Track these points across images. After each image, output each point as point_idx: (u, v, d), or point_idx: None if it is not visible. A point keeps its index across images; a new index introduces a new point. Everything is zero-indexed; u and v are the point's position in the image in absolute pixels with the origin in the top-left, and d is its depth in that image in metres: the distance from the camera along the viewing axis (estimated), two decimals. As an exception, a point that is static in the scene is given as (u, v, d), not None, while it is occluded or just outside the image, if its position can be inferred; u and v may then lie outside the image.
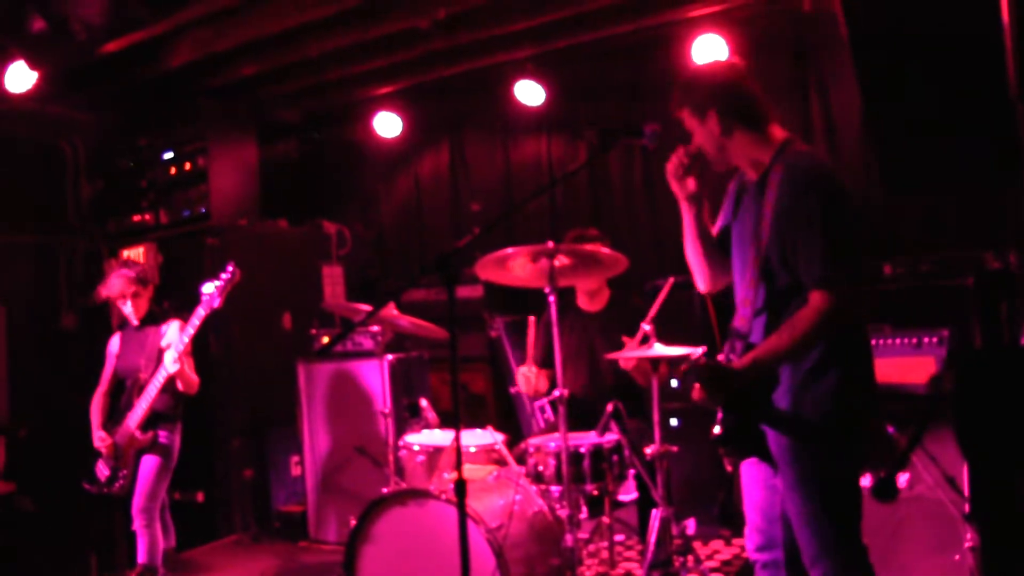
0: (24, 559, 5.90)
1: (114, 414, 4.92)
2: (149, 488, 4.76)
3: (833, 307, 2.66)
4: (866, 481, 3.41)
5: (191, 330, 4.65)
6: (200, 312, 4.62)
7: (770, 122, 2.96)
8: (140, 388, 4.78)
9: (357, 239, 7.49)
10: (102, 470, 4.87)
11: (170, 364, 4.63)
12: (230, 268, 4.65)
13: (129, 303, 4.92)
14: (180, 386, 4.77)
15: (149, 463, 4.79)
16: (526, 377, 4.67)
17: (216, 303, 4.61)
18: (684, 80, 3.12)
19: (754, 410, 2.79)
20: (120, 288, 4.91)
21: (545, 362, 4.81)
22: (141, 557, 4.75)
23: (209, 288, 4.60)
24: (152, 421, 4.79)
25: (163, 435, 4.82)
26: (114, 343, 5.11)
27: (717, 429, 2.78)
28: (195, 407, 5.10)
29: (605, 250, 4.02)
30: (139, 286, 4.96)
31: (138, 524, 4.76)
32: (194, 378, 4.83)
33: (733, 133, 2.94)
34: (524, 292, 4.96)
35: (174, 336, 4.77)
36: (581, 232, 4.84)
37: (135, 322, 4.98)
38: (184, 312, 4.82)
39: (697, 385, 2.72)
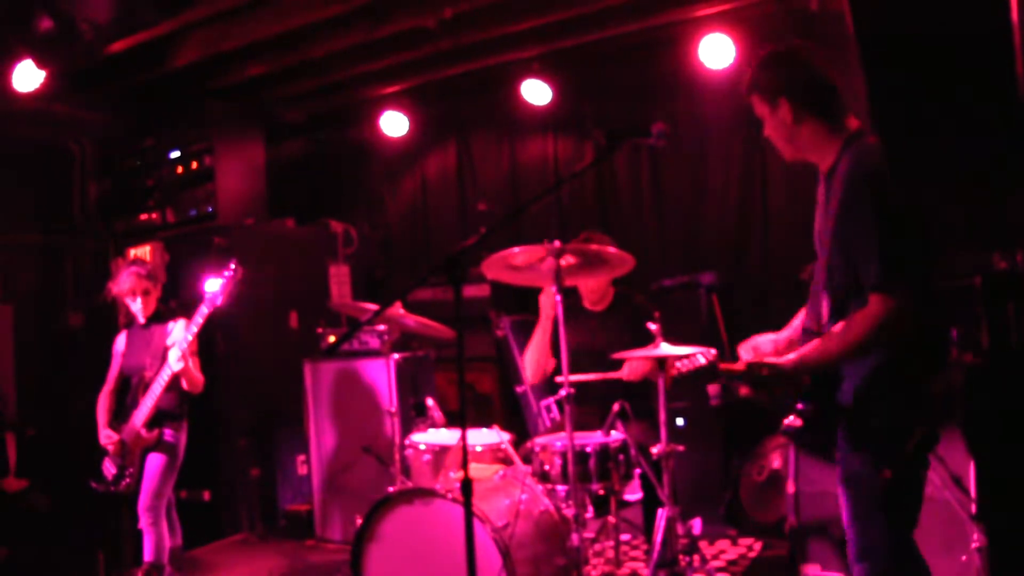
0: (31, 557, 5.91)
1: (120, 412, 4.93)
2: (155, 486, 4.77)
3: (890, 312, 2.53)
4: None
5: (195, 328, 4.66)
6: (203, 310, 4.63)
7: (846, 112, 2.81)
8: (145, 386, 4.78)
9: (364, 238, 7.50)
10: (109, 468, 4.88)
11: (174, 362, 4.63)
12: (232, 265, 4.66)
13: (139, 300, 4.94)
14: (185, 385, 4.78)
15: (155, 461, 4.80)
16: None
17: (219, 301, 4.62)
18: (756, 63, 2.93)
19: (828, 404, 2.70)
20: (131, 285, 4.93)
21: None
22: (148, 555, 4.76)
23: (212, 286, 4.61)
24: (158, 419, 4.79)
25: (169, 433, 4.83)
26: (120, 342, 5.12)
27: (794, 419, 2.68)
28: (202, 406, 5.10)
29: (611, 249, 4.02)
30: (149, 283, 4.98)
31: (144, 522, 4.77)
32: (199, 377, 4.83)
33: (803, 122, 2.80)
34: (531, 291, 4.96)
35: (179, 334, 4.77)
36: (589, 235, 4.84)
37: (142, 320, 4.99)
38: (190, 311, 4.83)
39: (744, 387, 2.64)
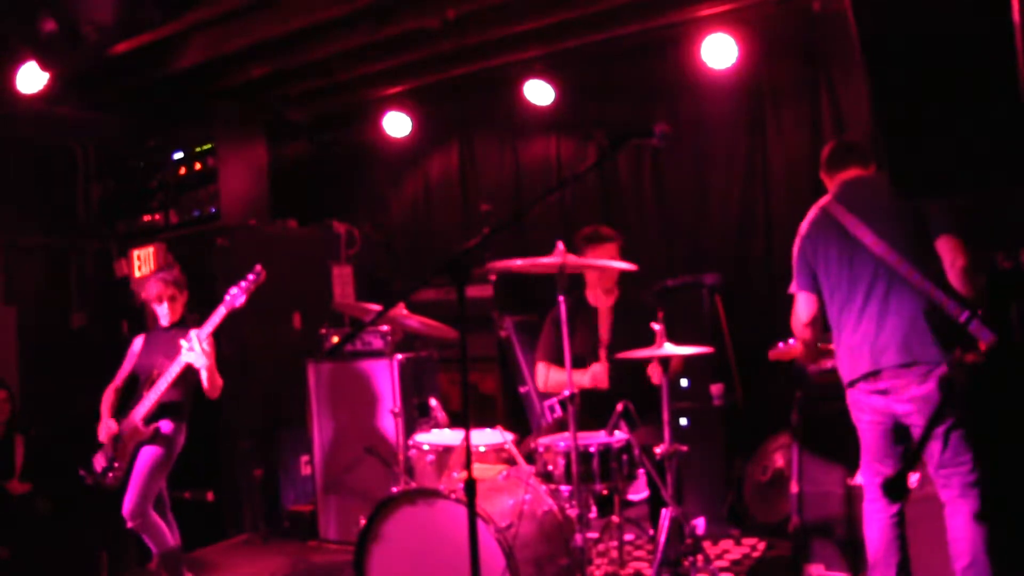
0: (34, 558, 5.92)
1: (124, 409, 4.93)
2: (143, 481, 4.72)
3: None
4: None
5: (210, 327, 4.69)
6: (221, 310, 4.68)
7: None
8: (151, 382, 4.79)
9: (367, 239, 7.50)
10: (100, 461, 4.90)
11: (195, 357, 4.65)
12: (258, 268, 4.73)
13: (165, 305, 4.98)
14: (206, 384, 4.76)
15: (147, 454, 4.78)
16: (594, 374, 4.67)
17: (239, 302, 4.68)
18: None
19: None
20: (157, 291, 4.98)
21: (555, 359, 4.80)
22: (154, 551, 4.80)
23: (235, 288, 4.67)
24: (158, 414, 4.80)
25: (165, 427, 4.82)
26: (137, 343, 5.14)
27: None
28: (205, 407, 5.10)
29: (615, 264, 4.03)
30: (175, 289, 5.03)
31: (134, 526, 4.73)
32: (219, 379, 4.84)
33: None
34: (534, 293, 4.97)
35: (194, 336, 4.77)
36: (595, 229, 4.84)
37: (165, 324, 5.02)
38: (195, 315, 4.86)
39: None
